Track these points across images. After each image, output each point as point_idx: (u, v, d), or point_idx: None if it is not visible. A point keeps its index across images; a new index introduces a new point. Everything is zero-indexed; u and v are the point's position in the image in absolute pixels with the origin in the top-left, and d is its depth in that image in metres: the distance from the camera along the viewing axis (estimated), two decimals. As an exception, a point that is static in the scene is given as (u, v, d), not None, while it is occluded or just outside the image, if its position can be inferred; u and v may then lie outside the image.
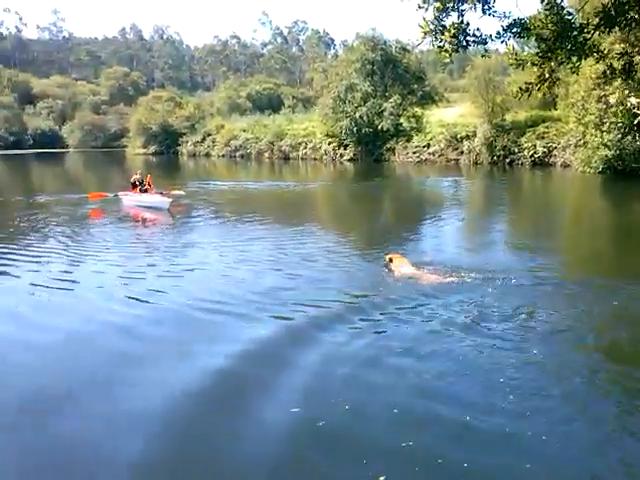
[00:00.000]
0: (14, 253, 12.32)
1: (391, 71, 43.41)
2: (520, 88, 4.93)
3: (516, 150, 35.06)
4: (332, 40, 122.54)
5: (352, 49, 49.67)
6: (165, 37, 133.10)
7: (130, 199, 19.25)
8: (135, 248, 13.02)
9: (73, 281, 9.94)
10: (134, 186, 19.33)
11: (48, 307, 8.64)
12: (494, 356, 6.37)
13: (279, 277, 9.85)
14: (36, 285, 9.65)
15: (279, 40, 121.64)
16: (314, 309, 8.00)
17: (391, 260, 9.66)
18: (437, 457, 4.50)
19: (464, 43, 4.60)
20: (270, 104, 65.68)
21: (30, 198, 23.91)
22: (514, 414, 5.10)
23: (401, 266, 9.38)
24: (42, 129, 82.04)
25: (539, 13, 6.75)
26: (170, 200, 18.23)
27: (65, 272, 10.54)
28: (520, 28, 4.51)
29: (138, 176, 19.60)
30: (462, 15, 4.53)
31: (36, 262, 11.36)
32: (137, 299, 8.72)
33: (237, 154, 51.85)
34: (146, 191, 19.13)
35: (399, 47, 45.35)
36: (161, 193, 19.14)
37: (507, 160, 35.29)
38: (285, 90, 75.77)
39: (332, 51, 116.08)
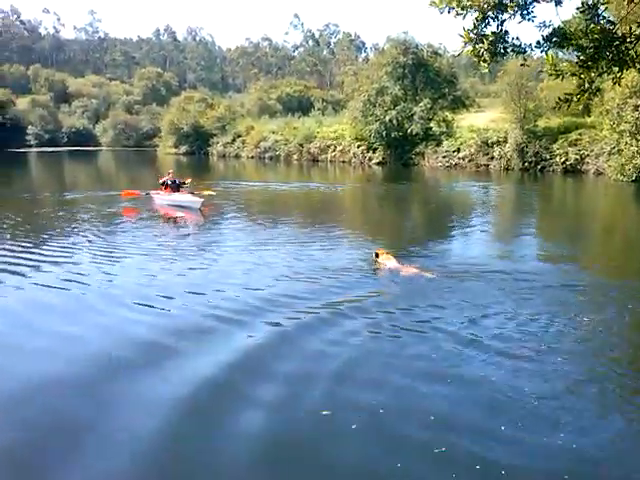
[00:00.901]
0: (43, 248, 12.71)
1: (422, 75, 43.25)
2: (559, 99, 4.91)
3: (548, 157, 34.62)
4: (363, 43, 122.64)
5: (383, 52, 49.59)
6: (198, 38, 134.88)
7: (162, 198, 19.51)
8: (160, 247, 13.12)
9: (88, 278, 10.17)
10: (166, 185, 19.57)
11: (51, 304, 8.84)
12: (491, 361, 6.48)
13: (294, 280, 9.91)
14: (52, 281, 9.95)
15: (310, 43, 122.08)
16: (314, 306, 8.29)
17: (377, 255, 10.62)
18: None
19: (502, 51, 4.63)
20: (300, 106, 65.94)
21: (64, 195, 24.50)
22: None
23: (386, 261, 10.33)
24: (76, 127, 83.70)
25: (574, 18, 6.72)
26: (202, 200, 18.42)
27: (83, 269, 10.80)
28: (560, 38, 4.51)
29: (171, 176, 19.82)
30: (502, 24, 4.56)
31: (59, 258, 11.69)
32: (145, 300, 8.83)
33: (266, 156, 52.11)
34: (178, 189, 19.40)
35: (430, 51, 45.19)
36: (192, 193, 19.38)
37: (538, 167, 34.87)
38: (315, 93, 75.97)
39: (363, 54, 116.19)
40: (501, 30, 4.60)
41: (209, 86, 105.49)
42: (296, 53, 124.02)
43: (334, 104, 69.23)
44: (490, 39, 4.54)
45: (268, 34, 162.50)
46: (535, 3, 4.40)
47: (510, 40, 4.63)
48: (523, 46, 4.71)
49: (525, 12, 4.40)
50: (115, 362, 6.59)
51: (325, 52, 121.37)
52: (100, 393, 5.90)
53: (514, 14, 4.44)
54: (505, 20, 4.52)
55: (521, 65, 5.07)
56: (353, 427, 5.08)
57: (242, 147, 55.87)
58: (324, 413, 5.32)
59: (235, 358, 6.61)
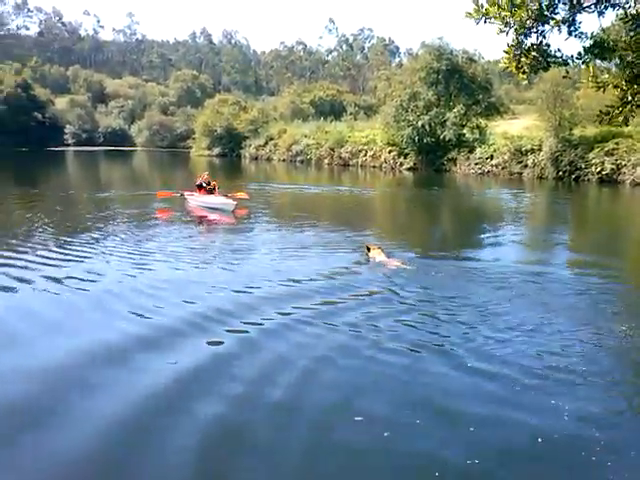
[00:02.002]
0: (72, 245, 12.94)
1: (456, 81, 42.85)
2: (600, 112, 4.86)
3: (583, 166, 34.00)
4: (397, 48, 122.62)
5: (417, 58, 49.38)
6: (233, 42, 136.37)
7: (195, 199, 19.77)
8: (188, 249, 13.02)
9: (111, 273, 10.40)
10: (200, 187, 19.82)
11: (62, 299, 8.96)
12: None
13: (315, 281, 9.96)
14: (73, 276, 10.17)
15: (344, 47, 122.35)
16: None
17: (368, 249, 11.72)
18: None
19: (545, 64, 4.59)
20: (332, 111, 65.94)
21: (99, 193, 25.04)
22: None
23: (376, 255, 11.41)
24: (112, 127, 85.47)
25: (613, 25, 6.62)
26: (235, 203, 18.59)
27: (106, 266, 11.03)
28: (603, 49, 4.45)
29: (205, 179, 20.03)
30: (543, 37, 4.53)
31: (86, 254, 12.00)
32: (159, 299, 8.83)
33: (297, 159, 52.37)
34: (212, 192, 19.63)
35: (465, 57, 44.84)
36: (226, 195, 19.58)
37: (573, 176, 34.28)
38: (348, 97, 76.02)
39: (397, 59, 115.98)
40: (541, 42, 4.57)
41: (243, 89, 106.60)
42: (330, 57, 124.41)
43: (366, 109, 69.19)
44: (532, 53, 4.51)
45: (302, 38, 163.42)
46: (577, 14, 4.36)
47: (552, 52, 4.60)
48: (565, 57, 4.68)
49: (573, 28, 4.35)
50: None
51: (359, 57, 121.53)
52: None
53: (558, 28, 4.40)
54: (546, 31, 4.50)
55: (563, 77, 4.98)
56: (386, 435, 5.11)
57: (274, 150, 56.23)
58: (357, 419, 5.35)
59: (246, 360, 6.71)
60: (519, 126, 41.32)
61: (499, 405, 5.62)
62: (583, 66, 5.20)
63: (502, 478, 4.56)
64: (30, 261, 11.27)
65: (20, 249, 12.39)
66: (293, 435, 5.13)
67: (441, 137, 41.11)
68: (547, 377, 6.14)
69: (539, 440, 4.95)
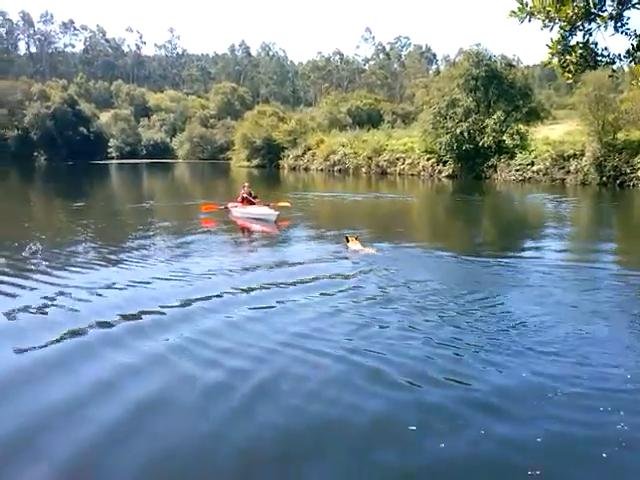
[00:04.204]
0: (113, 255, 13.20)
1: (495, 87, 42.26)
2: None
3: (628, 171, 33.11)
4: (434, 55, 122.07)
5: (455, 65, 49.00)
6: (271, 54, 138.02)
7: (238, 210, 20.00)
8: (229, 260, 12.84)
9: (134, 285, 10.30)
10: (242, 199, 20.12)
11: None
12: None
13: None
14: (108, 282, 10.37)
15: (381, 56, 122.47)
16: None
17: (347, 239, 13.55)
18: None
19: (592, 63, 4.54)
20: (370, 119, 65.98)
21: (143, 204, 25.68)
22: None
23: (353, 244, 13.29)
24: (155, 140, 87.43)
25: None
26: (277, 213, 18.63)
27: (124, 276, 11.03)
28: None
29: (247, 189, 20.33)
30: (590, 34, 4.49)
31: (124, 262, 12.35)
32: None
33: (335, 169, 52.51)
34: (253, 203, 19.91)
35: (504, 62, 44.31)
36: (268, 205, 19.79)
37: (617, 181, 33.41)
38: (385, 106, 75.96)
39: (434, 67, 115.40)
40: (587, 41, 4.53)
41: (281, 100, 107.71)
42: (367, 66, 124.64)
43: (404, 117, 69.02)
44: (579, 51, 4.46)
45: (339, 48, 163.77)
46: (626, 11, 4.30)
47: (600, 51, 4.54)
48: (612, 56, 4.60)
49: (619, 24, 4.28)
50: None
51: (396, 65, 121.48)
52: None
53: (605, 25, 4.35)
54: (592, 29, 4.45)
55: (609, 76, 4.86)
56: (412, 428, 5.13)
57: (312, 160, 56.50)
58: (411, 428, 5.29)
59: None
60: (560, 131, 40.58)
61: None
62: (627, 68, 5.11)
63: None
64: (67, 270, 11.43)
65: (59, 260, 12.61)
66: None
67: (480, 144, 40.62)
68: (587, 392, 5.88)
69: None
